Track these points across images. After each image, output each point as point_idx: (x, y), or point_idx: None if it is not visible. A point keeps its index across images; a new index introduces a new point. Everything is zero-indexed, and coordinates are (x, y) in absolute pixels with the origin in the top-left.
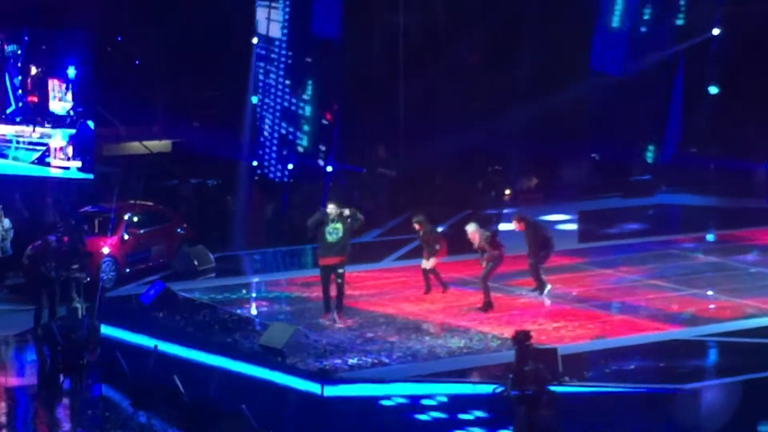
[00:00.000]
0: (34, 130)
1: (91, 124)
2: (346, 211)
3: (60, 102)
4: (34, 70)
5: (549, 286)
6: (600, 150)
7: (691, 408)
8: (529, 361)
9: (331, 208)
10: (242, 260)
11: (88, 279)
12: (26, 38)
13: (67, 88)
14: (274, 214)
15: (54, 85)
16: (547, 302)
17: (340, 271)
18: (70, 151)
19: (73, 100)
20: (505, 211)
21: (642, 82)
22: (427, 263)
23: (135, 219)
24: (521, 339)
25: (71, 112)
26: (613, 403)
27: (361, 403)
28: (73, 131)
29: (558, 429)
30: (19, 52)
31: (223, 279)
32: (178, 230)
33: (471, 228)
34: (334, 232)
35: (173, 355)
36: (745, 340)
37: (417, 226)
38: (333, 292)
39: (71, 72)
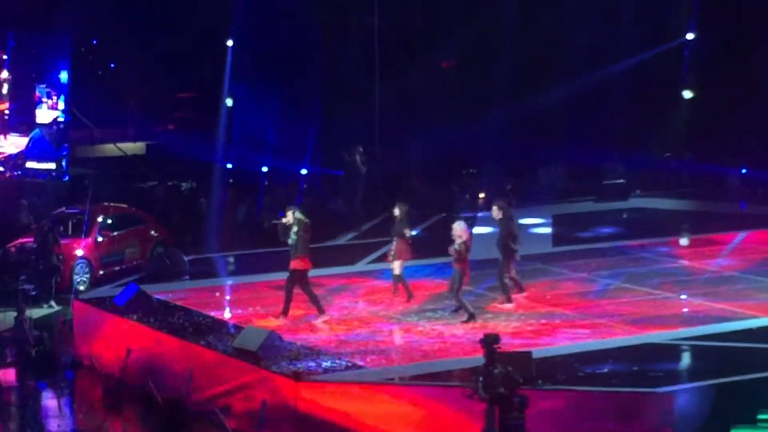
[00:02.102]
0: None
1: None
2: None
3: (49, 111)
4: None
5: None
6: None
7: (664, 411)
8: (497, 363)
9: (288, 216)
10: (216, 263)
11: (35, 292)
12: (12, 43)
13: (57, 96)
14: (247, 217)
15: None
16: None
17: (293, 275)
18: None
19: (65, 109)
20: (479, 214)
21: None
22: (396, 267)
23: (109, 221)
24: (489, 342)
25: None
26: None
27: None
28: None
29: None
30: (5, 57)
31: (197, 281)
32: (152, 232)
33: (461, 225)
34: (293, 237)
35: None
36: (719, 343)
37: (397, 211)
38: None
39: (63, 77)
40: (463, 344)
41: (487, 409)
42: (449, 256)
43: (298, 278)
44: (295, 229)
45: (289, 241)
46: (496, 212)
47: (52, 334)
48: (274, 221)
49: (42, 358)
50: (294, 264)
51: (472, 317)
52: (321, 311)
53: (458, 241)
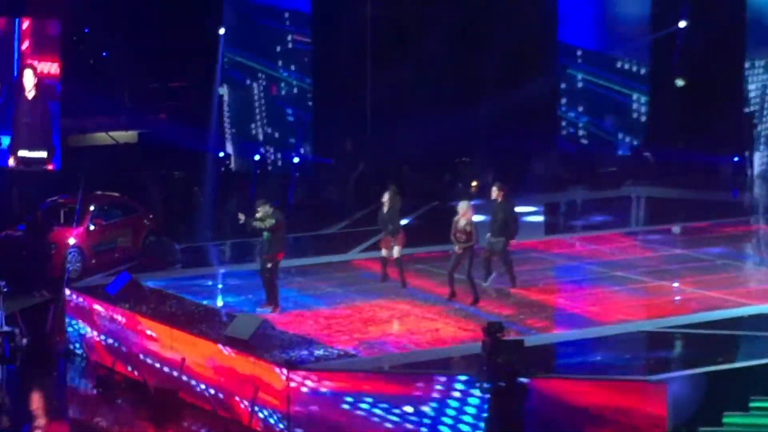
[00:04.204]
0: None
1: None
2: (269, 218)
3: None
4: None
5: (494, 275)
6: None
7: (657, 399)
8: (501, 353)
9: (260, 210)
10: (208, 251)
11: (6, 289)
12: None
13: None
14: (239, 207)
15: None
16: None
17: (268, 266)
18: None
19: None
20: (472, 202)
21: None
22: (395, 252)
23: (101, 210)
24: (493, 331)
25: None
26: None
27: None
28: None
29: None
30: None
31: (189, 270)
32: (145, 221)
33: (465, 205)
34: (266, 232)
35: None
36: (711, 331)
37: (386, 198)
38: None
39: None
40: (456, 332)
41: (491, 398)
42: (451, 243)
43: (275, 267)
44: (269, 223)
45: (264, 237)
46: (496, 192)
47: (43, 327)
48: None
49: (15, 354)
50: (270, 256)
51: (476, 300)
52: (275, 305)
53: (463, 221)
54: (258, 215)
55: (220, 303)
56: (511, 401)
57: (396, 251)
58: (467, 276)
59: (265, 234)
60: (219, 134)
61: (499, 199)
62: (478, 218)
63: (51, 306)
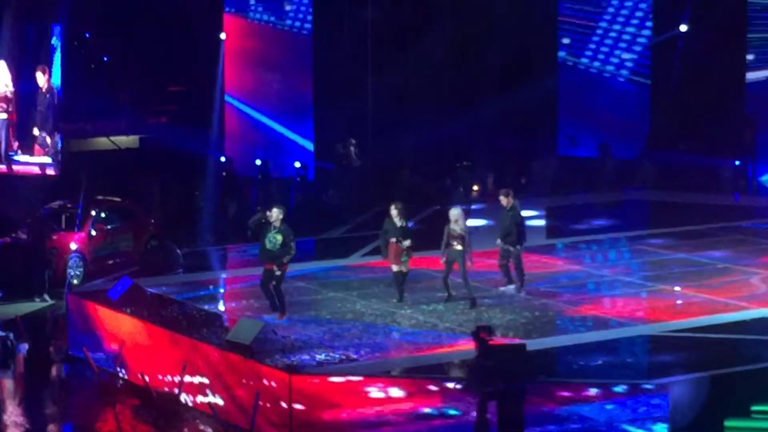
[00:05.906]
0: None
1: None
2: (288, 238)
3: None
4: None
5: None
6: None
7: (658, 403)
8: (490, 356)
9: (274, 213)
10: (210, 256)
11: (2, 294)
12: None
13: None
14: (239, 211)
15: None
16: (519, 293)
17: (278, 273)
18: None
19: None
20: (473, 206)
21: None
22: (404, 267)
23: (102, 215)
24: (479, 334)
25: None
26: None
27: None
28: None
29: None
30: None
31: (191, 275)
32: (146, 226)
33: (457, 212)
34: (274, 241)
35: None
36: (713, 335)
37: (395, 212)
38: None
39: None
40: (458, 336)
41: (479, 402)
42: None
43: (280, 278)
44: (279, 238)
45: (268, 245)
46: (504, 200)
47: (44, 332)
48: (260, 208)
49: (8, 359)
50: (276, 266)
51: (473, 303)
52: (282, 311)
53: (457, 228)
54: (273, 216)
55: (221, 308)
56: (506, 406)
57: (405, 266)
58: (463, 280)
59: (273, 246)
60: (220, 138)
61: (508, 207)
62: (476, 222)
63: (52, 311)
